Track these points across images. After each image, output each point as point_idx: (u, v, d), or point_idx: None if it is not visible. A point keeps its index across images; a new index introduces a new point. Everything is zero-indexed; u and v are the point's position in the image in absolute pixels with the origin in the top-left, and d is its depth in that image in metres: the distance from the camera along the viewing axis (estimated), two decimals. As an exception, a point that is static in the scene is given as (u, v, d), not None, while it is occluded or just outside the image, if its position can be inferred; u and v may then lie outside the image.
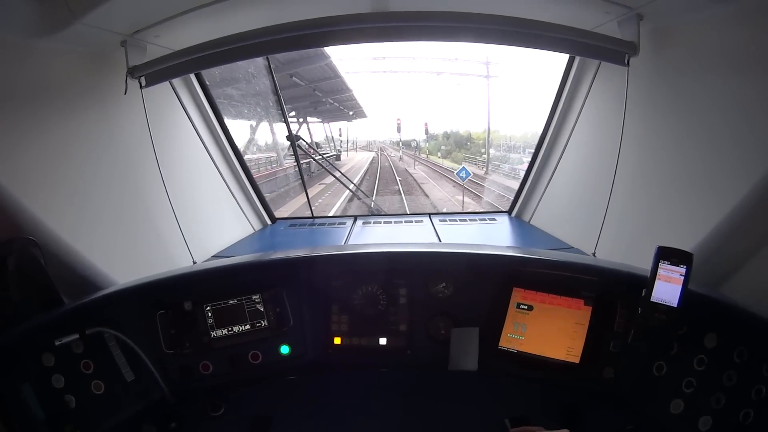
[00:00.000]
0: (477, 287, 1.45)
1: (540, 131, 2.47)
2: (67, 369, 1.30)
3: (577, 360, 1.31)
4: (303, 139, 2.79)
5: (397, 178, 15.94)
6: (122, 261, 1.63)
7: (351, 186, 3.25)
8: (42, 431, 1.23)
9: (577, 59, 2.12)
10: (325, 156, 3.06)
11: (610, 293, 1.32)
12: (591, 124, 2.10)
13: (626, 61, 1.58)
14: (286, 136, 2.74)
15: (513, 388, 1.36)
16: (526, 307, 1.39)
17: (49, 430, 1.24)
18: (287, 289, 1.50)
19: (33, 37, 1.32)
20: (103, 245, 1.57)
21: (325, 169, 3.09)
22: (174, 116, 2.21)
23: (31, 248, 1.32)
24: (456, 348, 1.43)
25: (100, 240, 1.57)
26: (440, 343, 1.45)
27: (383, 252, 1.58)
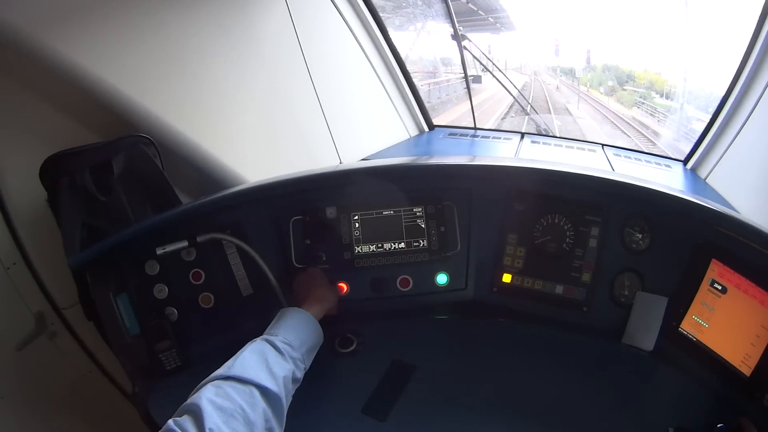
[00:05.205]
0: (675, 247, 1.14)
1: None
2: (172, 279, 1.05)
3: (748, 372, 1.03)
4: (470, 39, 2.42)
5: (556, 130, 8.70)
6: (256, 160, 1.47)
7: (515, 92, 2.97)
8: (135, 345, 1.05)
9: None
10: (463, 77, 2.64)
11: None
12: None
13: None
14: (451, 35, 2.42)
15: (683, 388, 1.09)
16: (720, 288, 1.09)
17: (142, 344, 1.05)
18: (458, 205, 1.14)
19: None
20: (235, 144, 1.41)
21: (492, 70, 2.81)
22: (324, 13, 2.03)
23: (144, 146, 1.17)
24: (637, 318, 1.18)
25: (232, 138, 1.41)
26: (621, 306, 1.19)
27: (582, 174, 1.17)
